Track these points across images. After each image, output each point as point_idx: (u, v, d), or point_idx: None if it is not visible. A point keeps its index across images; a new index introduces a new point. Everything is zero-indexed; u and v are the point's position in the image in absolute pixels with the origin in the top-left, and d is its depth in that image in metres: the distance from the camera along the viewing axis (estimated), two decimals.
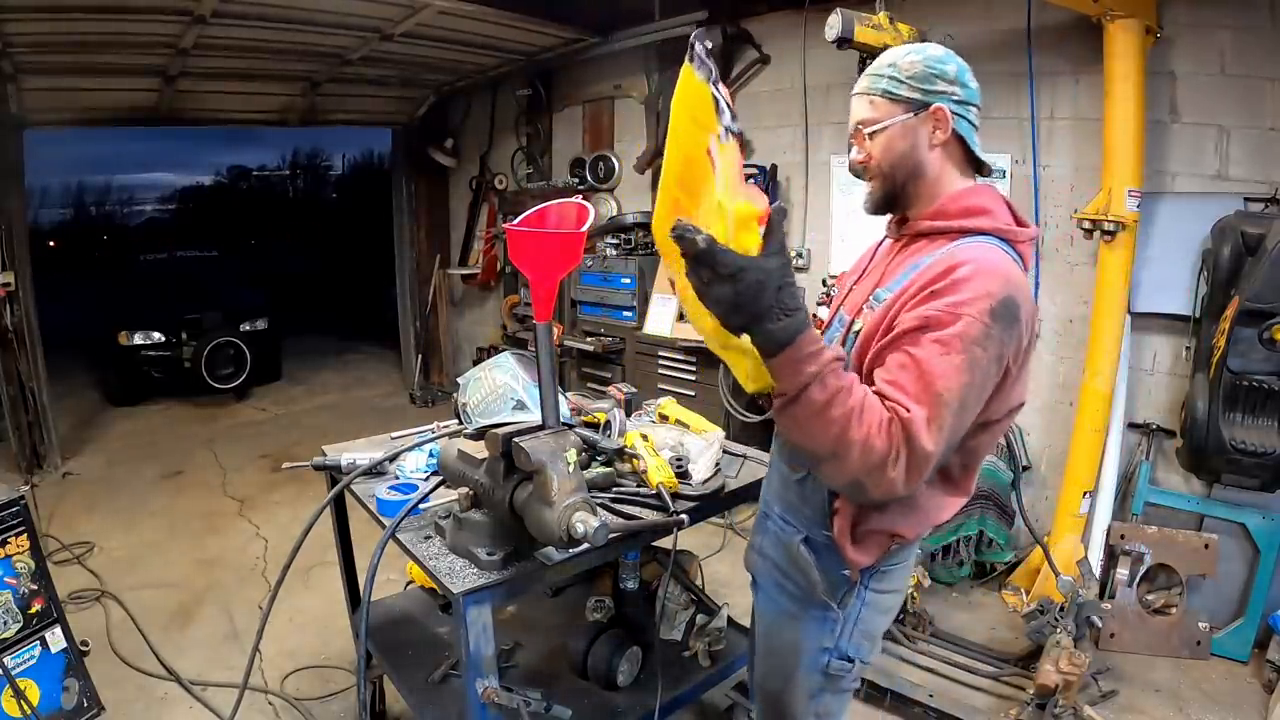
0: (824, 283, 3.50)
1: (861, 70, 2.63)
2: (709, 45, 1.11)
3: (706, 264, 0.94)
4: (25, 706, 2.05)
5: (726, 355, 1.15)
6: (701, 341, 4.07)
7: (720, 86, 1.09)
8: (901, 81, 1.17)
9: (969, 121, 1.20)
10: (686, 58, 1.10)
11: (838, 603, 1.30)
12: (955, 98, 1.17)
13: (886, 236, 1.34)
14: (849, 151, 1.27)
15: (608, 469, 1.73)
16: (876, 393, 1.03)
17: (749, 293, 0.95)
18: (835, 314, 1.36)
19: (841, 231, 3.76)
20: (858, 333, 1.20)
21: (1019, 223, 1.19)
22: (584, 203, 1.33)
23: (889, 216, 1.31)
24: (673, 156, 1.16)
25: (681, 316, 4.05)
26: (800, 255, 3.91)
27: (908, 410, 1.00)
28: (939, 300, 1.05)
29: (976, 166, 1.24)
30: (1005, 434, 2.63)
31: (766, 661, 1.45)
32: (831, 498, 1.25)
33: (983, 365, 1.03)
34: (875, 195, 1.26)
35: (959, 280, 1.05)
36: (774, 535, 1.40)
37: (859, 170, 1.26)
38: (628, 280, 4.35)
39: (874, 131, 1.19)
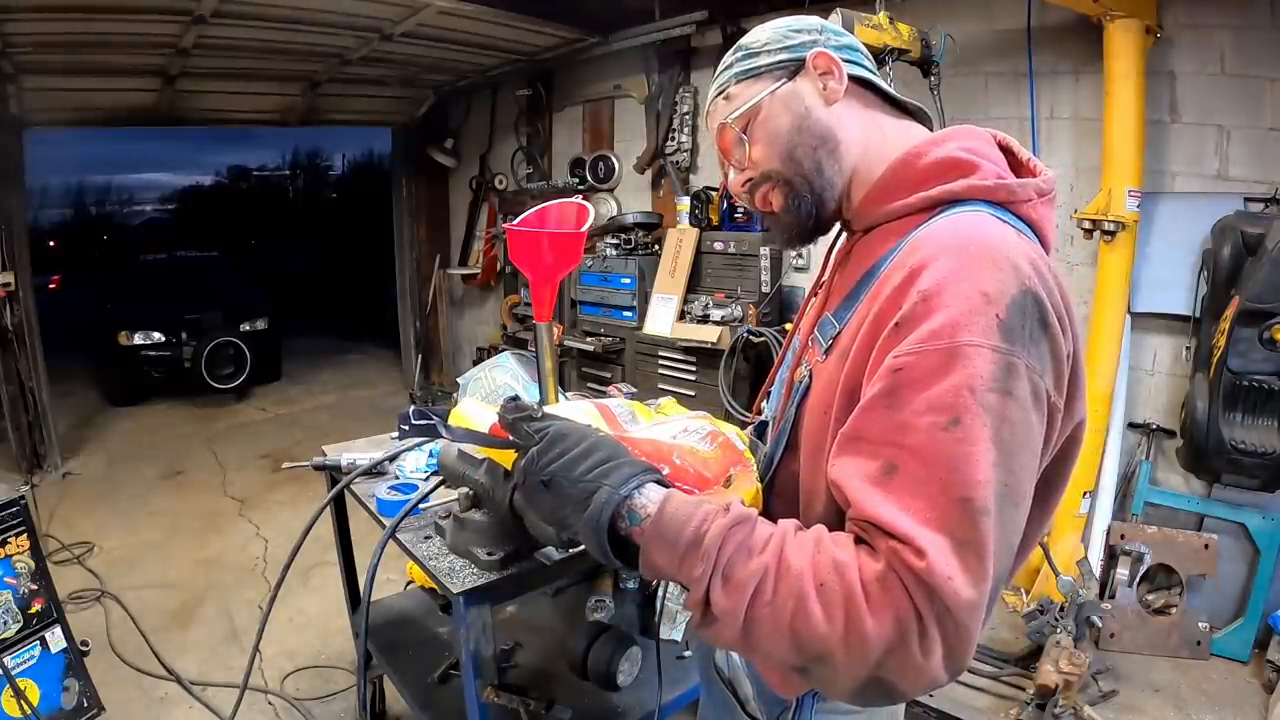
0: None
1: None
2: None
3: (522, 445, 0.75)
4: (25, 706, 2.05)
5: None
6: (702, 341, 4.07)
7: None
8: (755, 54, 0.86)
9: (867, 68, 0.86)
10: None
11: None
12: (832, 44, 0.85)
13: (840, 230, 0.94)
14: (724, 185, 0.93)
15: None
16: (856, 520, 0.65)
17: (579, 473, 0.71)
18: (789, 343, 1.00)
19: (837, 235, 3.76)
20: (802, 384, 0.84)
21: (1020, 170, 0.81)
22: (584, 203, 1.32)
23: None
24: None
25: (683, 316, 4.05)
26: (800, 255, 3.90)
27: (920, 553, 0.60)
28: (910, 335, 0.66)
29: (910, 116, 0.89)
30: None
31: None
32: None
33: (1016, 419, 0.63)
34: (785, 211, 0.86)
35: (930, 293, 0.66)
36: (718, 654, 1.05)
37: (749, 195, 0.88)
38: (628, 280, 4.35)
39: (743, 120, 0.85)
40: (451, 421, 0.87)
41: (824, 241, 0.94)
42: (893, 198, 0.80)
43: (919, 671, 0.61)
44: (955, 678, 0.64)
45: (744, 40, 0.88)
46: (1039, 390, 0.65)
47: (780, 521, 0.70)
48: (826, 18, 2.60)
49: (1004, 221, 0.73)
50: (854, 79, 0.84)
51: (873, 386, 0.67)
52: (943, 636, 0.60)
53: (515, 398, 0.80)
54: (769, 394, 1.03)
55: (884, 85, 0.87)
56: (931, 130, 0.88)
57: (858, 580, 0.61)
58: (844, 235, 0.92)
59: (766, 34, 0.86)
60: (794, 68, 0.84)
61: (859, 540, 0.65)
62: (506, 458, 0.82)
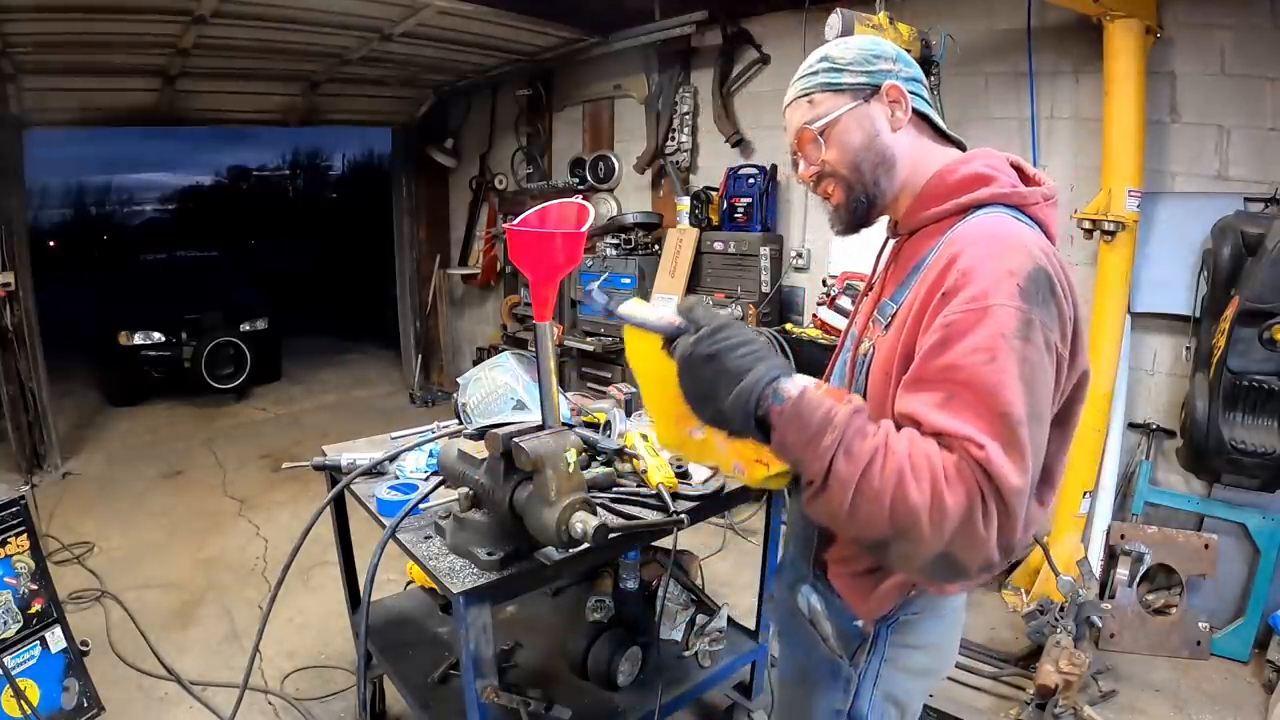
0: (824, 283, 3.51)
1: None
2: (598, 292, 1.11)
3: (694, 328, 0.91)
4: (25, 706, 2.05)
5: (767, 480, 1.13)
6: None
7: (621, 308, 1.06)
8: (841, 70, 1.02)
9: (925, 99, 1.05)
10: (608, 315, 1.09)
11: (849, 659, 1.08)
12: (903, 75, 1.03)
13: (888, 237, 1.16)
14: (794, 168, 1.10)
15: (608, 469, 1.73)
16: (928, 434, 0.83)
17: (733, 358, 0.87)
18: (846, 334, 1.20)
19: None
20: (867, 356, 1.02)
21: (1028, 181, 1.00)
22: (584, 203, 1.33)
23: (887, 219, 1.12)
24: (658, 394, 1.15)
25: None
26: (800, 255, 3.91)
27: (980, 446, 0.78)
28: (953, 301, 0.86)
29: (951, 144, 1.08)
30: None
31: (781, 717, 1.30)
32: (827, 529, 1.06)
33: (1034, 359, 0.83)
34: (843, 208, 1.06)
35: (967, 270, 0.87)
36: (785, 580, 1.23)
37: (813, 183, 1.08)
38: (628, 280, 4.35)
39: (823, 127, 1.02)
40: (624, 310, 1.04)
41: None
42: (931, 205, 1.01)
43: (980, 544, 0.78)
44: (1005, 559, 0.81)
45: (831, 53, 1.04)
46: (1049, 341, 0.85)
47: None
48: (827, 17, 2.58)
49: (1018, 219, 0.94)
50: (914, 112, 1.04)
51: (928, 341, 0.87)
52: (998, 513, 0.78)
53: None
54: (829, 379, 1.21)
55: (935, 117, 1.07)
56: (965, 151, 1.07)
57: (940, 465, 0.79)
58: (892, 241, 1.13)
59: (852, 53, 1.03)
60: (870, 91, 1.02)
61: None
62: (654, 343, 0.98)
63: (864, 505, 0.81)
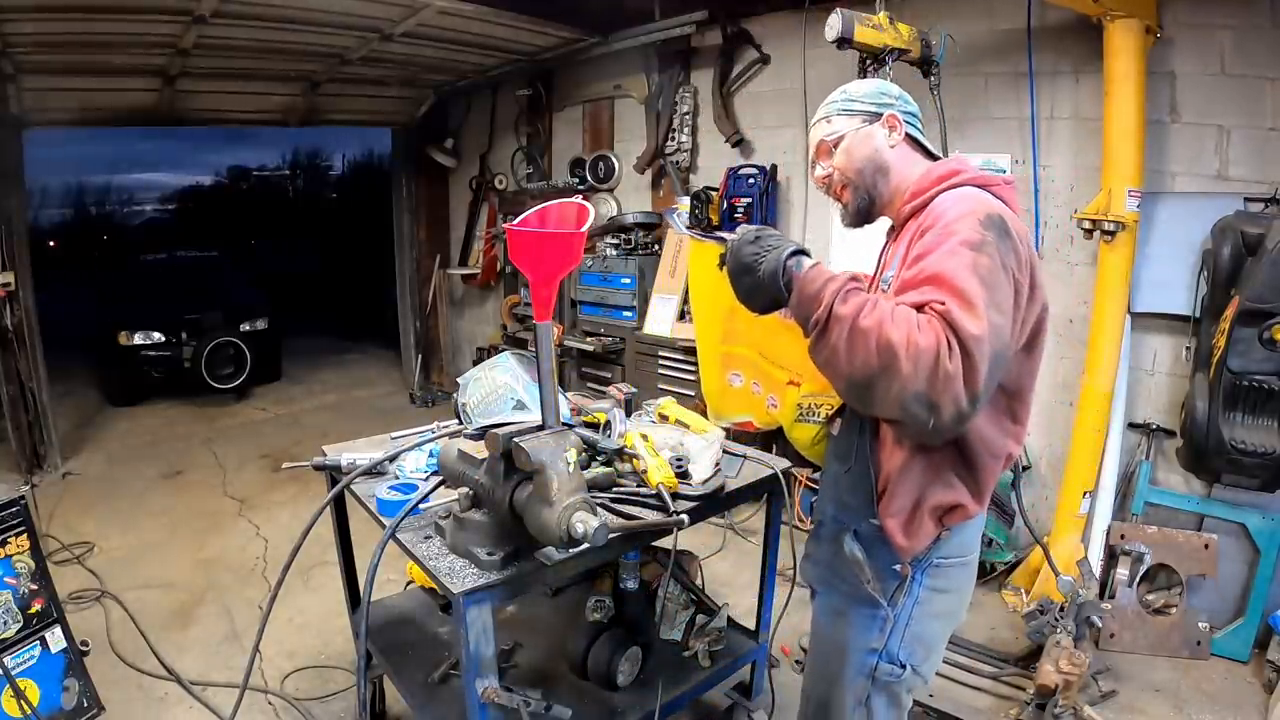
0: None
1: (861, 71, 2.64)
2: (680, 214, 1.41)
3: (736, 249, 1.22)
4: (25, 706, 2.05)
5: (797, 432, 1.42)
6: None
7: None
8: (854, 100, 1.33)
9: (918, 129, 1.34)
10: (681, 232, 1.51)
11: (888, 599, 1.26)
12: (902, 109, 1.33)
13: (887, 241, 1.41)
14: (813, 171, 1.39)
15: (608, 469, 1.73)
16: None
17: (733, 261, 1.21)
18: None
19: (841, 231, 3.76)
20: None
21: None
22: (584, 203, 1.33)
23: (889, 224, 1.38)
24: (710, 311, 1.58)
25: (683, 315, 4.06)
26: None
27: (942, 303, 1.01)
28: (929, 235, 1.12)
29: (933, 155, 1.35)
30: None
31: (814, 663, 1.42)
32: (877, 479, 1.24)
33: (991, 265, 1.05)
34: (851, 206, 1.35)
35: (940, 213, 1.15)
36: (826, 537, 1.39)
37: (825, 186, 1.37)
38: (628, 280, 4.35)
39: (836, 140, 1.32)
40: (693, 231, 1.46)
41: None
42: (916, 197, 1.26)
43: (948, 380, 0.97)
44: (971, 406, 0.99)
45: (849, 88, 1.36)
46: (1005, 262, 1.07)
47: None
48: (827, 18, 2.59)
49: (983, 192, 1.20)
50: (908, 135, 1.33)
51: (908, 266, 1.13)
52: (961, 356, 0.98)
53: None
54: None
55: (925, 141, 1.35)
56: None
57: (914, 317, 1.01)
58: (891, 232, 1.39)
59: (865, 89, 1.34)
60: (875, 117, 1.32)
61: None
62: (713, 255, 1.35)
63: (857, 340, 1.03)
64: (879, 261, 1.43)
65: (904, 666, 1.28)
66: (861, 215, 1.35)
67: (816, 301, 1.09)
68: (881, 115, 1.31)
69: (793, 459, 1.99)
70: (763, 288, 1.17)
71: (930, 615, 1.28)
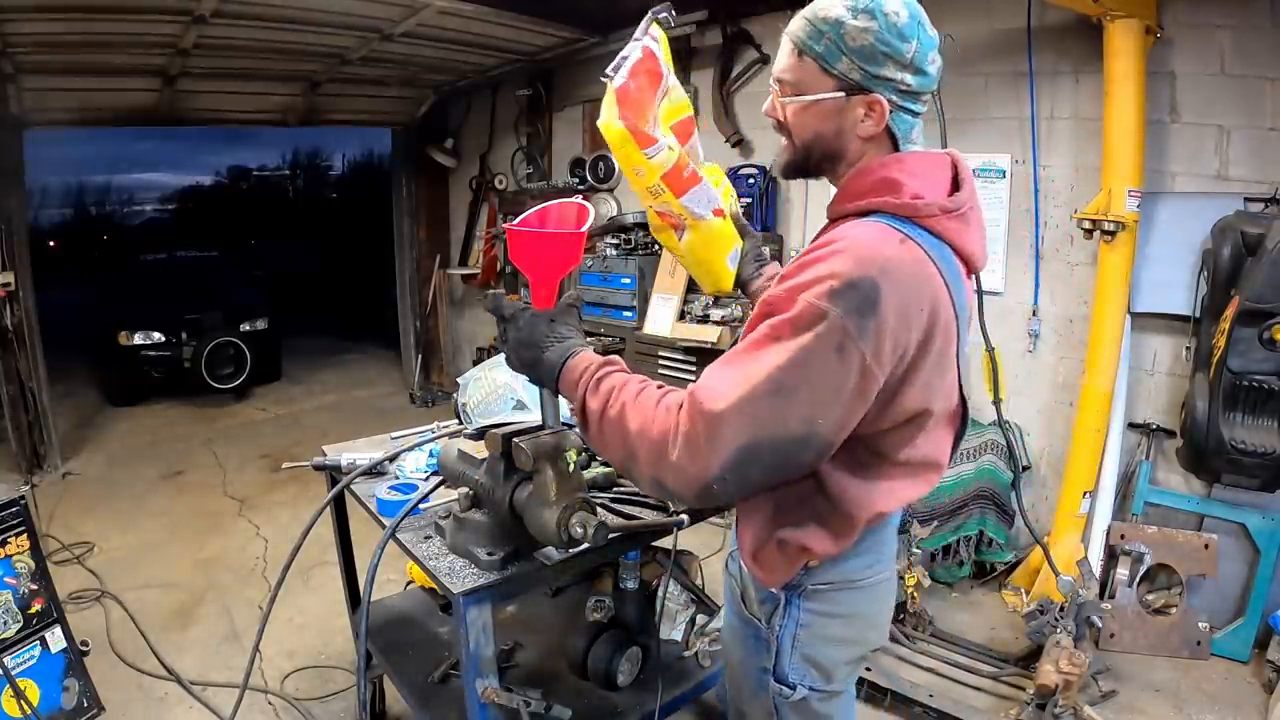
0: None
1: None
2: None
3: (501, 318, 1.18)
4: (25, 706, 2.05)
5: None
6: (701, 341, 4.09)
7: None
8: (842, 52, 0.98)
9: (911, 112, 1.02)
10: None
11: (765, 622, 1.19)
12: (903, 87, 0.99)
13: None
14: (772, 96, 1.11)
15: (608, 469, 1.73)
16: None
17: (526, 329, 1.14)
18: None
19: None
20: None
21: (953, 192, 1.03)
22: (584, 203, 1.32)
23: None
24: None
25: (683, 315, 4.06)
26: (798, 253, 3.90)
27: (698, 384, 0.94)
28: (784, 285, 0.94)
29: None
30: (1005, 433, 2.64)
31: (728, 675, 1.40)
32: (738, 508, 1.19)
33: (816, 355, 0.88)
34: (783, 159, 1.13)
35: (808, 262, 0.94)
36: (731, 552, 1.35)
37: (772, 121, 1.11)
38: (628, 280, 4.35)
39: (795, 92, 1.04)
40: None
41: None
42: (843, 203, 1.05)
43: (678, 470, 0.92)
44: (699, 479, 0.91)
45: (849, 22, 0.97)
46: (844, 347, 0.88)
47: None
48: None
49: (898, 230, 0.95)
50: (886, 128, 1.03)
51: (755, 312, 0.99)
52: (689, 433, 0.91)
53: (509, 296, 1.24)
54: None
55: (904, 139, 1.05)
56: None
57: (654, 402, 0.97)
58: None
59: (868, 39, 0.96)
60: (858, 90, 0.99)
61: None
62: (729, 233, 1.45)
63: (605, 429, 1.01)
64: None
65: (793, 687, 1.18)
66: (790, 174, 1.14)
67: (573, 391, 1.07)
68: (868, 94, 0.99)
69: None
70: (539, 368, 1.13)
71: (820, 639, 1.17)
